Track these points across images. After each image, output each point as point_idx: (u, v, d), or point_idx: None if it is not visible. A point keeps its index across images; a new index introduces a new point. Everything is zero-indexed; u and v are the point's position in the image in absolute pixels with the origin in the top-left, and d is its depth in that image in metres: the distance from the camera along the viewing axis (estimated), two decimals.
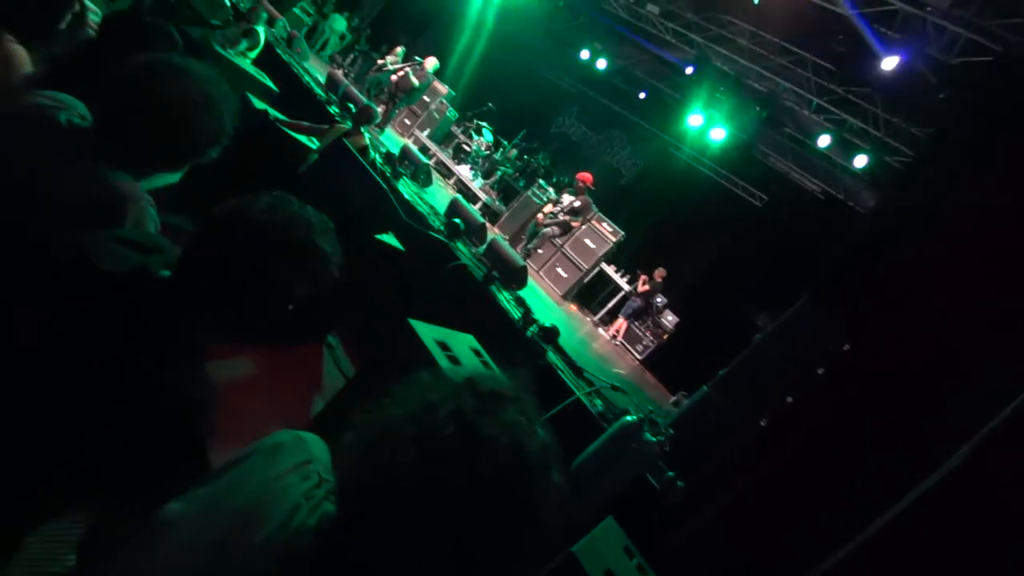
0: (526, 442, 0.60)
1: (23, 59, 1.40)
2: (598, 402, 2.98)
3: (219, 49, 4.47)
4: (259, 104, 3.30)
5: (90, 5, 1.49)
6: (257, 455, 0.70)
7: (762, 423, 2.64)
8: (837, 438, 2.49)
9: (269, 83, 4.45)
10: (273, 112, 3.42)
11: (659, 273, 7.59)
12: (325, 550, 0.61)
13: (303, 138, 3.44)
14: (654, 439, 2.30)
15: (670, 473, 2.46)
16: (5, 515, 0.72)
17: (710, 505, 2.37)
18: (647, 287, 7.49)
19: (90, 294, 0.77)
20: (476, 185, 8.34)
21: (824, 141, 7.63)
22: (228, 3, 5.82)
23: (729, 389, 2.95)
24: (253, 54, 5.34)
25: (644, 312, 7.49)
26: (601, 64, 9.56)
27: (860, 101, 7.32)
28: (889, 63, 5.94)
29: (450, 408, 0.60)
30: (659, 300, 7.51)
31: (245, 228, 0.85)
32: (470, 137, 9.02)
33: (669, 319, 7.49)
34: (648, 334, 7.40)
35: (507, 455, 0.58)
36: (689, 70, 8.35)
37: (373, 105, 4.58)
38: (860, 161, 7.36)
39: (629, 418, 2.38)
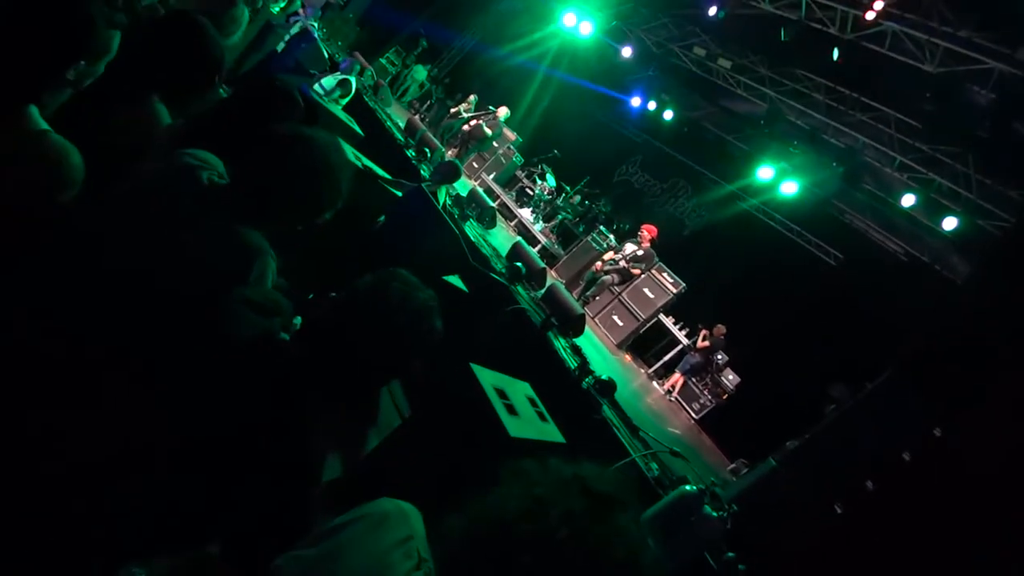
0: (639, 555, 0.59)
1: (164, 116, 1.63)
2: (653, 465, 2.85)
3: (316, 97, 4.92)
4: (352, 154, 3.58)
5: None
6: (364, 522, 0.71)
7: (838, 509, 2.41)
8: (925, 535, 2.23)
9: (356, 127, 4.83)
10: (380, 171, 3.73)
11: (719, 330, 7.29)
12: None
13: (392, 189, 3.71)
14: (715, 514, 2.15)
15: (731, 554, 2.28)
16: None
17: None
18: (707, 343, 7.20)
19: (221, 358, 0.86)
20: (536, 228, 8.49)
21: (908, 201, 7.17)
22: (326, 55, 6.46)
23: (801, 465, 2.72)
24: (344, 101, 5.85)
25: (703, 369, 7.17)
26: (668, 115, 9.64)
27: (950, 160, 6.87)
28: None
29: (561, 509, 0.60)
30: (720, 357, 7.17)
31: (384, 319, 0.96)
32: (534, 181, 9.27)
33: (730, 378, 7.11)
34: (706, 392, 7.05)
35: (622, 569, 0.58)
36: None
37: (459, 164, 4.85)
38: (949, 223, 6.84)
39: (689, 488, 2.25)
